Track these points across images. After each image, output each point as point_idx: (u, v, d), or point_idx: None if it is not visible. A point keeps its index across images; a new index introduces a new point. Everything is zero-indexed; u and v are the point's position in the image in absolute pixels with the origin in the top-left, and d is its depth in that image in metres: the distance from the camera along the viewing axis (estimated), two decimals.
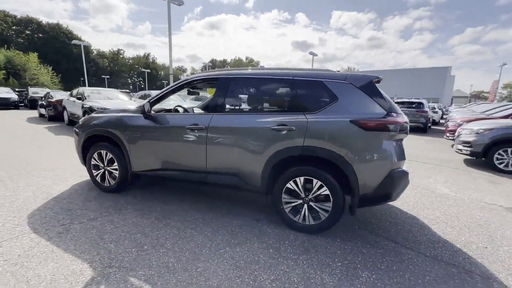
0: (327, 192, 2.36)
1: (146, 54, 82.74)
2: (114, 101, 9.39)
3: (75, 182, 3.71)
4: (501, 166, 5.10)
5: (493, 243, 2.47)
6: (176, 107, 3.43)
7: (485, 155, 5.26)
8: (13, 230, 2.39)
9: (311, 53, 27.05)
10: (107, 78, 58.48)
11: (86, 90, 9.52)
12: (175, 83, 3.10)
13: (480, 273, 2.02)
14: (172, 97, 3.34)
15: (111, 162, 3.25)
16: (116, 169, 3.23)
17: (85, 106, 8.50)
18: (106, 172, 3.32)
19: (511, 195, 3.83)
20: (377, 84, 2.44)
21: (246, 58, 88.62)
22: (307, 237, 2.43)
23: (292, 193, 2.50)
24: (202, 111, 3.66)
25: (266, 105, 2.76)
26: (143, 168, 3.10)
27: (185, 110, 3.55)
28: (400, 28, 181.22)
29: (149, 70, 59.87)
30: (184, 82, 3.03)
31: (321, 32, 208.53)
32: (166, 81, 73.03)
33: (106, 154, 3.24)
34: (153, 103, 3.04)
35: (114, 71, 72.10)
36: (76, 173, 4.09)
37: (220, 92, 2.80)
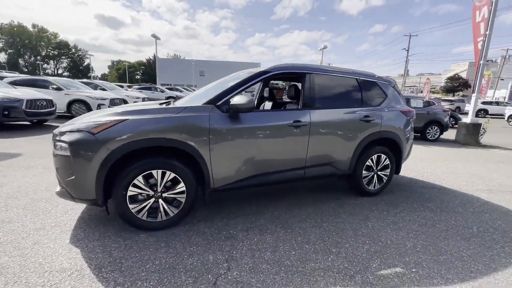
0: (388, 162, 3.33)
1: None
2: None
3: (65, 236, 2.11)
4: None
5: (428, 174, 4.58)
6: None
7: None
8: None
9: (153, 35, 24.87)
10: None
11: None
12: (251, 75, 2.65)
13: (441, 187, 3.90)
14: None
15: (166, 184, 2.27)
16: (182, 192, 2.31)
17: None
18: (161, 201, 2.26)
19: None
20: None
21: (34, 26, 63.63)
22: (379, 198, 3.30)
23: (367, 168, 3.23)
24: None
25: (344, 100, 3.12)
26: (229, 180, 2.49)
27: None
28: (210, 24, 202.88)
29: None
30: (266, 75, 2.67)
31: (133, 10, 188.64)
32: None
33: (164, 174, 2.21)
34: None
35: None
36: (26, 224, 2.25)
37: (308, 87, 2.84)
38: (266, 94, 3.93)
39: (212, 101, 2.43)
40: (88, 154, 2.00)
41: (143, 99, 12.59)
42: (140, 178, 2.14)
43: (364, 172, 3.21)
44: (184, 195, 2.32)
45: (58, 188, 2.27)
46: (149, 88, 20.05)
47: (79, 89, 9.96)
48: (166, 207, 2.29)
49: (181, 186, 2.29)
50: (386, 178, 3.38)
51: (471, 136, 8.22)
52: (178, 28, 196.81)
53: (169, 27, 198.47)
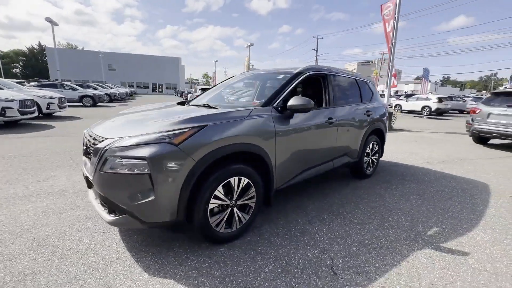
0: (377, 148, 4.06)
1: None
2: None
3: (134, 271, 1.79)
4: None
5: (385, 154, 5.66)
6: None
7: None
8: None
9: (48, 19, 20.15)
10: None
11: None
12: (291, 76, 2.75)
13: (402, 164, 4.97)
14: None
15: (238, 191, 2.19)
16: (252, 197, 2.27)
17: None
18: (235, 209, 2.17)
19: None
20: None
21: None
22: (375, 179, 3.99)
23: (366, 155, 3.85)
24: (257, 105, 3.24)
25: (350, 97, 3.56)
26: (285, 179, 2.58)
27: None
28: (110, 10, 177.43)
29: None
30: (302, 75, 2.81)
31: None
32: None
33: (239, 180, 2.13)
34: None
35: None
36: (66, 270, 1.77)
37: (332, 87, 3.15)
38: None
39: (268, 102, 2.44)
40: (173, 168, 1.74)
41: (60, 100, 10.17)
42: (220, 188, 2.00)
43: (365, 158, 3.81)
44: (254, 200, 2.28)
45: (109, 217, 1.86)
46: (53, 85, 16.23)
47: None
48: (240, 215, 2.20)
49: (252, 191, 2.24)
50: (375, 161, 4.10)
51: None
52: (67, 11, 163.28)
53: (54, 10, 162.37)
